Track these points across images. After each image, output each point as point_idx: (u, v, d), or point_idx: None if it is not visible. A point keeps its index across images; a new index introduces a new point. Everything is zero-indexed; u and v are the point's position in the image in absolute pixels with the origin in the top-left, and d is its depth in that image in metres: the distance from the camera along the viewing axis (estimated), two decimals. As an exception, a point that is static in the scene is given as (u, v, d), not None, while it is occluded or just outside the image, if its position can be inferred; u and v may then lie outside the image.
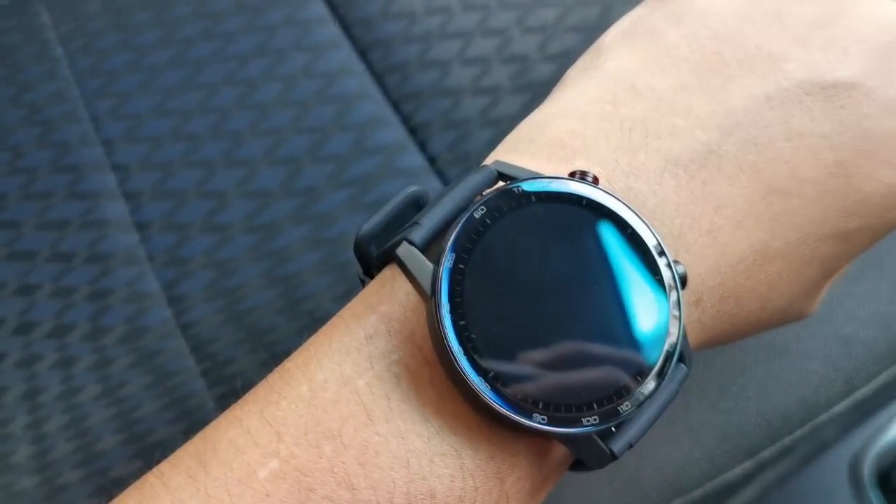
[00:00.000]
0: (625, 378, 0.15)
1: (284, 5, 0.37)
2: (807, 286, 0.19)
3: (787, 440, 0.26)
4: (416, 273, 0.16)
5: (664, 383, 0.15)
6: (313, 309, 0.30)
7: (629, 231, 0.16)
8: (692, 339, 0.18)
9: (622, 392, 0.15)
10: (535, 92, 0.34)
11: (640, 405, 0.15)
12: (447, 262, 0.15)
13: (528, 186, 0.16)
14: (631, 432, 0.16)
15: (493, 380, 0.15)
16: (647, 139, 0.18)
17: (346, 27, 0.37)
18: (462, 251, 0.15)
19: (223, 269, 0.31)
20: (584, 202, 0.16)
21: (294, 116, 0.34)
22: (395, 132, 0.33)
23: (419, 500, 0.14)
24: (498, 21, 0.35)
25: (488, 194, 0.16)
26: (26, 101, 0.36)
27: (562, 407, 0.15)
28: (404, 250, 0.16)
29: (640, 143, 0.18)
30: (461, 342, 0.15)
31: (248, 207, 0.32)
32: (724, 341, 0.20)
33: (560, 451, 0.16)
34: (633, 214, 0.16)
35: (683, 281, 0.16)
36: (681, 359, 0.16)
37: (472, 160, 0.33)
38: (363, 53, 0.36)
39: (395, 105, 0.34)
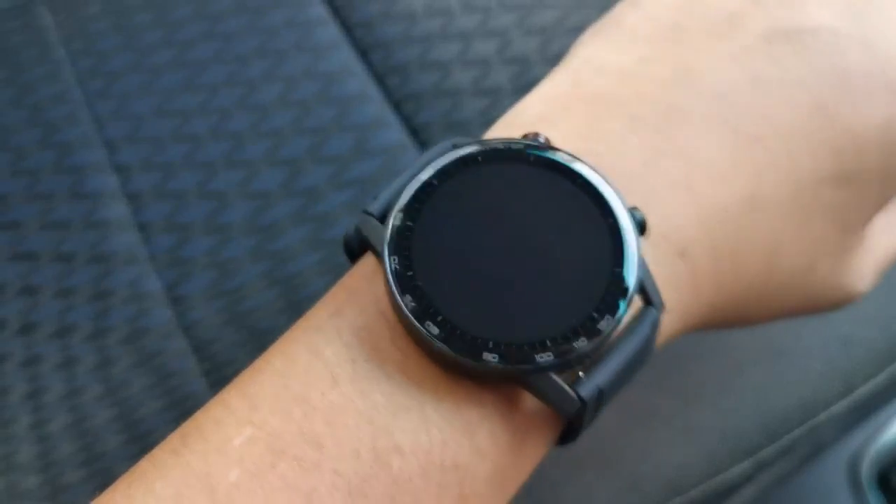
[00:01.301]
0: (579, 316, 0.15)
1: (285, 7, 0.37)
2: (819, 241, 0.18)
3: (785, 440, 0.27)
4: (373, 240, 0.16)
5: (623, 320, 0.15)
6: (314, 309, 0.31)
7: (580, 181, 0.16)
8: (688, 301, 0.17)
9: (578, 330, 0.15)
10: (535, 93, 0.34)
11: (598, 341, 0.15)
12: (394, 220, 0.16)
13: (473, 147, 0.16)
14: (600, 377, 0.15)
15: (442, 325, 0.15)
16: (609, 107, 0.18)
17: (347, 28, 0.37)
18: (410, 211, 0.16)
19: (224, 269, 0.31)
20: (531, 159, 0.16)
21: (295, 117, 0.34)
22: (395, 133, 0.34)
23: (386, 455, 0.15)
24: (498, 22, 0.36)
25: (437, 160, 0.16)
26: (28, 103, 0.37)
27: (514, 346, 0.15)
28: (361, 219, 0.16)
29: (602, 112, 0.18)
30: (408, 291, 0.15)
31: (249, 208, 0.32)
32: (741, 315, 0.19)
33: (531, 401, 0.16)
34: (583, 165, 0.16)
35: (642, 226, 0.16)
36: (650, 303, 0.16)
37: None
38: (364, 54, 0.36)
39: (396, 106, 0.34)
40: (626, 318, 0.16)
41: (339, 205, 0.32)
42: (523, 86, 0.34)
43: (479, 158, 0.16)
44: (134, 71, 0.36)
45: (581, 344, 0.15)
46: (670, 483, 0.26)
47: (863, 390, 0.27)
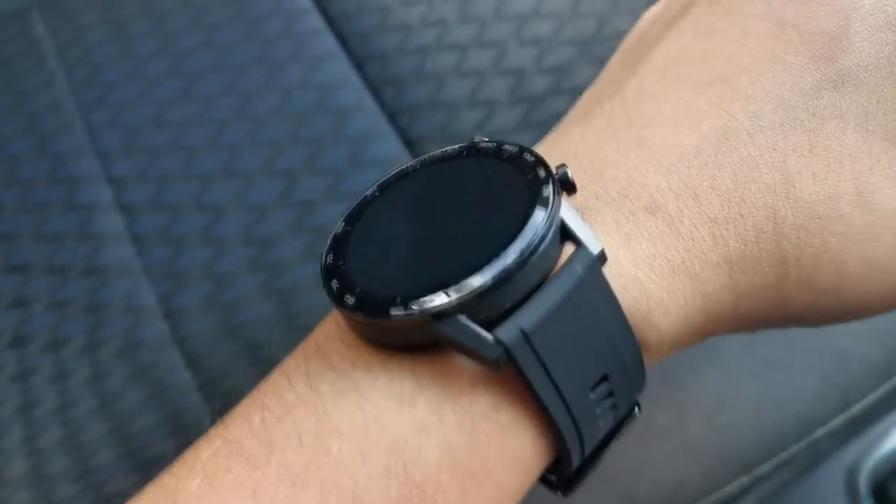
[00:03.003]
0: (481, 257, 0.15)
1: (282, 17, 0.37)
2: (857, 155, 0.17)
3: (783, 455, 0.27)
4: None
5: (540, 261, 0.15)
6: (310, 323, 0.30)
7: (506, 157, 0.16)
8: (682, 255, 0.16)
9: (481, 268, 0.15)
10: (531, 105, 0.34)
11: (502, 274, 0.14)
12: (336, 229, 0.17)
13: (417, 159, 0.17)
14: (521, 317, 0.15)
15: (358, 295, 0.15)
16: (569, 121, 0.19)
17: (343, 40, 0.37)
18: (350, 218, 0.17)
19: (219, 282, 0.31)
20: (462, 153, 0.17)
21: (291, 128, 0.34)
22: (391, 145, 0.34)
23: (326, 438, 0.15)
24: (494, 34, 0.36)
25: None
26: (22, 112, 0.36)
27: (419, 296, 0.15)
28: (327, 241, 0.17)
29: (563, 126, 0.19)
30: (334, 277, 0.16)
31: (245, 220, 0.32)
32: (798, 273, 0.17)
33: (466, 364, 0.15)
34: (508, 145, 0.16)
35: (569, 183, 0.16)
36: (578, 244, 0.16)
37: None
38: (359, 66, 0.36)
39: (392, 118, 0.34)
40: (558, 266, 0.15)
41: (335, 217, 0.32)
42: (519, 97, 0.34)
43: (418, 166, 0.17)
44: (129, 81, 0.36)
45: (484, 279, 0.14)
46: (667, 499, 0.26)
47: (859, 406, 0.27)
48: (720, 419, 0.27)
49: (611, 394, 0.16)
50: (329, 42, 0.36)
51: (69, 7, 0.40)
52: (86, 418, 0.29)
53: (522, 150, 0.16)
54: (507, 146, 0.17)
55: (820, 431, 0.27)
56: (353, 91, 0.35)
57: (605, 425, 0.17)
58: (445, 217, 0.16)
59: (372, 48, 0.36)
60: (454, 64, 0.35)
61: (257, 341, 0.30)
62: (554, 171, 0.16)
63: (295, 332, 0.30)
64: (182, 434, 0.29)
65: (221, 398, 0.30)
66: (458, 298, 0.14)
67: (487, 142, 0.17)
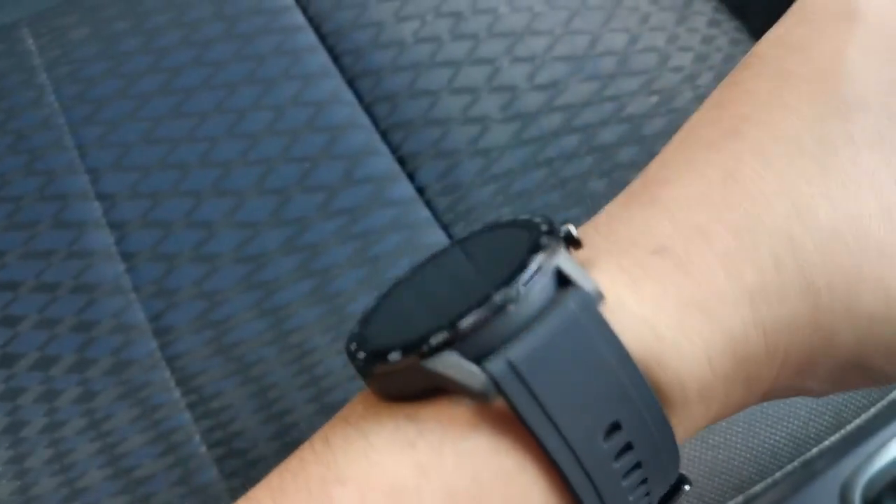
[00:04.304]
0: (476, 297, 0.15)
1: (274, 33, 0.37)
2: (861, 174, 0.16)
3: (777, 475, 0.26)
4: None
5: (530, 297, 0.15)
6: (302, 341, 0.30)
7: (520, 224, 0.17)
8: (691, 290, 0.16)
9: (472, 306, 0.15)
10: (524, 121, 0.34)
11: (490, 309, 0.15)
12: (370, 303, 0.18)
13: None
14: (510, 350, 0.15)
15: (370, 351, 0.16)
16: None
17: (336, 56, 0.37)
18: (382, 297, 0.18)
19: (211, 300, 0.31)
20: (486, 228, 0.18)
21: (284, 145, 0.34)
22: (384, 162, 0.33)
23: (330, 486, 0.15)
24: (487, 50, 0.36)
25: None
26: (11, 129, 0.36)
27: (415, 338, 0.15)
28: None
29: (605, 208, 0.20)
30: (354, 340, 0.17)
31: (238, 238, 0.32)
32: (839, 305, 0.16)
33: (461, 407, 0.15)
34: (527, 215, 0.17)
35: (570, 240, 0.16)
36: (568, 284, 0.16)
37: (462, 190, 0.33)
38: (352, 83, 0.36)
39: (384, 135, 0.34)
40: (547, 300, 0.15)
41: (329, 234, 0.32)
42: (512, 114, 0.34)
43: (448, 247, 0.18)
44: (120, 97, 0.36)
45: (474, 315, 0.15)
46: (662, 519, 0.26)
47: (854, 424, 0.27)
48: (713, 439, 0.27)
49: (629, 447, 0.15)
50: (322, 59, 0.36)
51: (59, 23, 0.39)
52: (74, 438, 0.29)
53: (535, 216, 0.17)
54: (523, 216, 0.18)
55: (814, 450, 0.27)
56: (346, 108, 0.35)
57: (629, 484, 0.16)
58: (453, 275, 0.17)
59: (365, 65, 0.36)
60: (447, 80, 0.35)
61: (249, 360, 0.30)
62: (557, 227, 0.16)
63: (287, 350, 0.30)
64: (171, 454, 0.29)
65: (211, 417, 0.29)
66: (448, 336, 0.15)
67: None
